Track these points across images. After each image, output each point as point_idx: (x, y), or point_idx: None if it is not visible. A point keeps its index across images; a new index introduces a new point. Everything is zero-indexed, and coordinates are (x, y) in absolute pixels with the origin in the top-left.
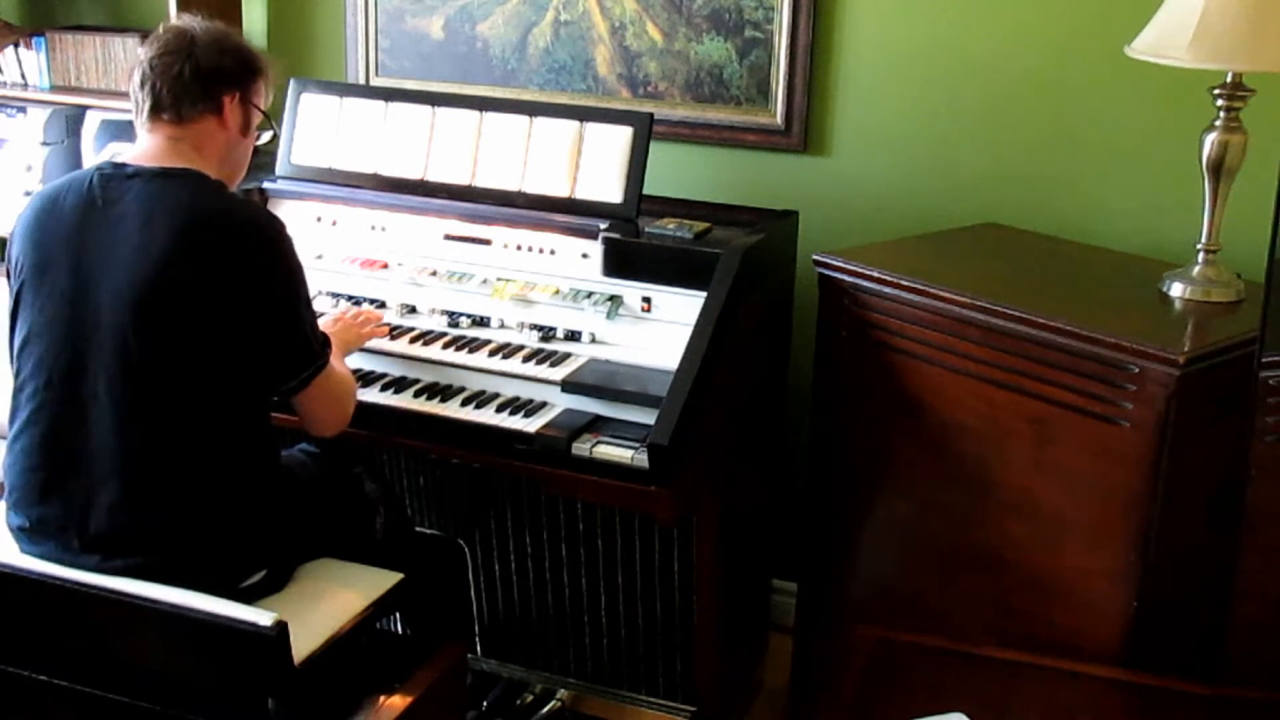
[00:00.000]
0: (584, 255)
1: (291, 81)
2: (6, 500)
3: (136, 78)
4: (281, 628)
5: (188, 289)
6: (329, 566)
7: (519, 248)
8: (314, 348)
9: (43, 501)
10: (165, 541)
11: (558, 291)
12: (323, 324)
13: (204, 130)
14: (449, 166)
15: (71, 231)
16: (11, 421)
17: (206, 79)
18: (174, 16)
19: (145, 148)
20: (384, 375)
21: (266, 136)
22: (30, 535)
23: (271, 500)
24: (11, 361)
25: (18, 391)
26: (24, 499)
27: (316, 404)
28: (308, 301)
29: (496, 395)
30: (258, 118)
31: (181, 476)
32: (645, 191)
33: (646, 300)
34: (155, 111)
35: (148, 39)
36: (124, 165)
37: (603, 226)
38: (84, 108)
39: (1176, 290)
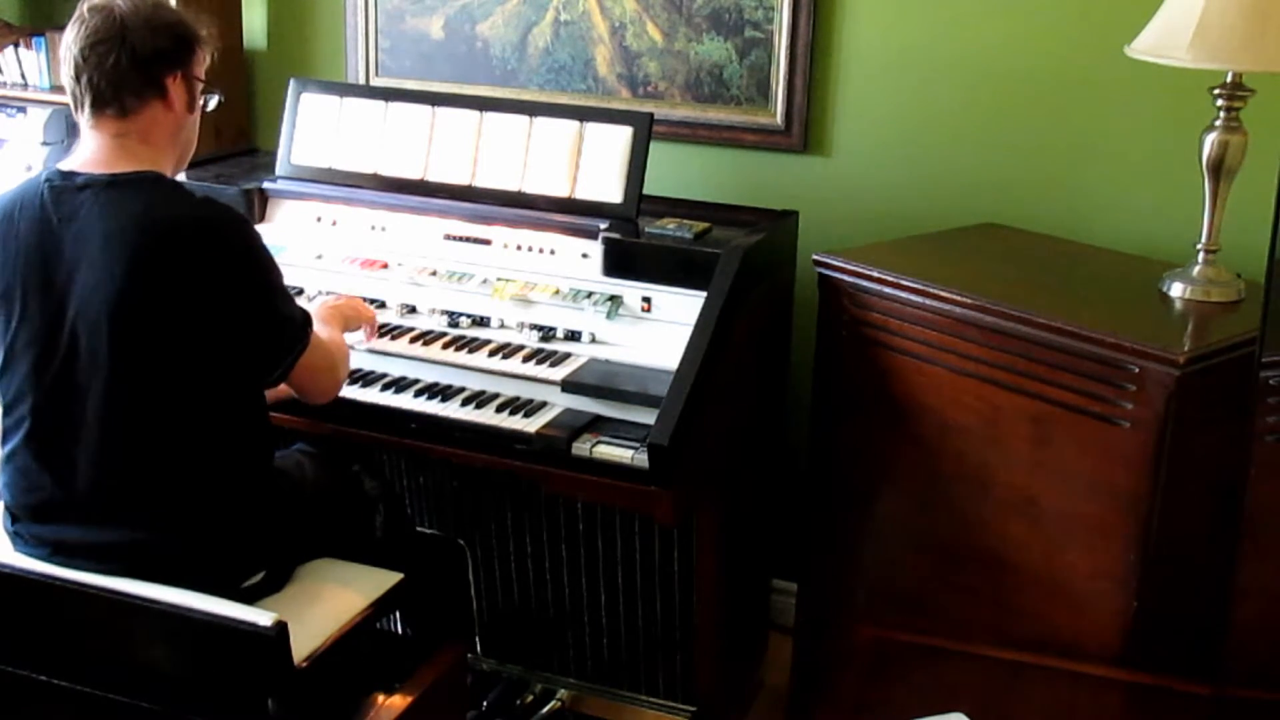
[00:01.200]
0: (584, 255)
1: (291, 81)
2: (5, 514)
3: (69, 69)
4: (281, 628)
5: (158, 304)
6: (329, 566)
7: (519, 248)
8: (293, 331)
9: (42, 520)
10: (165, 548)
11: (558, 291)
12: (325, 301)
13: (150, 118)
14: (449, 166)
15: (32, 253)
16: (4, 442)
17: (146, 65)
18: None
19: (92, 150)
20: (384, 375)
21: (213, 103)
22: (30, 543)
23: (269, 502)
24: None
25: (6, 413)
26: (23, 517)
27: (304, 379)
28: (281, 288)
29: (496, 395)
30: (200, 88)
31: (178, 486)
32: (645, 191)
33: (646, 300)
34: (98, 107)
35: (71, 22)
36: (73, 175)
37: (603, 226)
38: None
39: (1176, 290)
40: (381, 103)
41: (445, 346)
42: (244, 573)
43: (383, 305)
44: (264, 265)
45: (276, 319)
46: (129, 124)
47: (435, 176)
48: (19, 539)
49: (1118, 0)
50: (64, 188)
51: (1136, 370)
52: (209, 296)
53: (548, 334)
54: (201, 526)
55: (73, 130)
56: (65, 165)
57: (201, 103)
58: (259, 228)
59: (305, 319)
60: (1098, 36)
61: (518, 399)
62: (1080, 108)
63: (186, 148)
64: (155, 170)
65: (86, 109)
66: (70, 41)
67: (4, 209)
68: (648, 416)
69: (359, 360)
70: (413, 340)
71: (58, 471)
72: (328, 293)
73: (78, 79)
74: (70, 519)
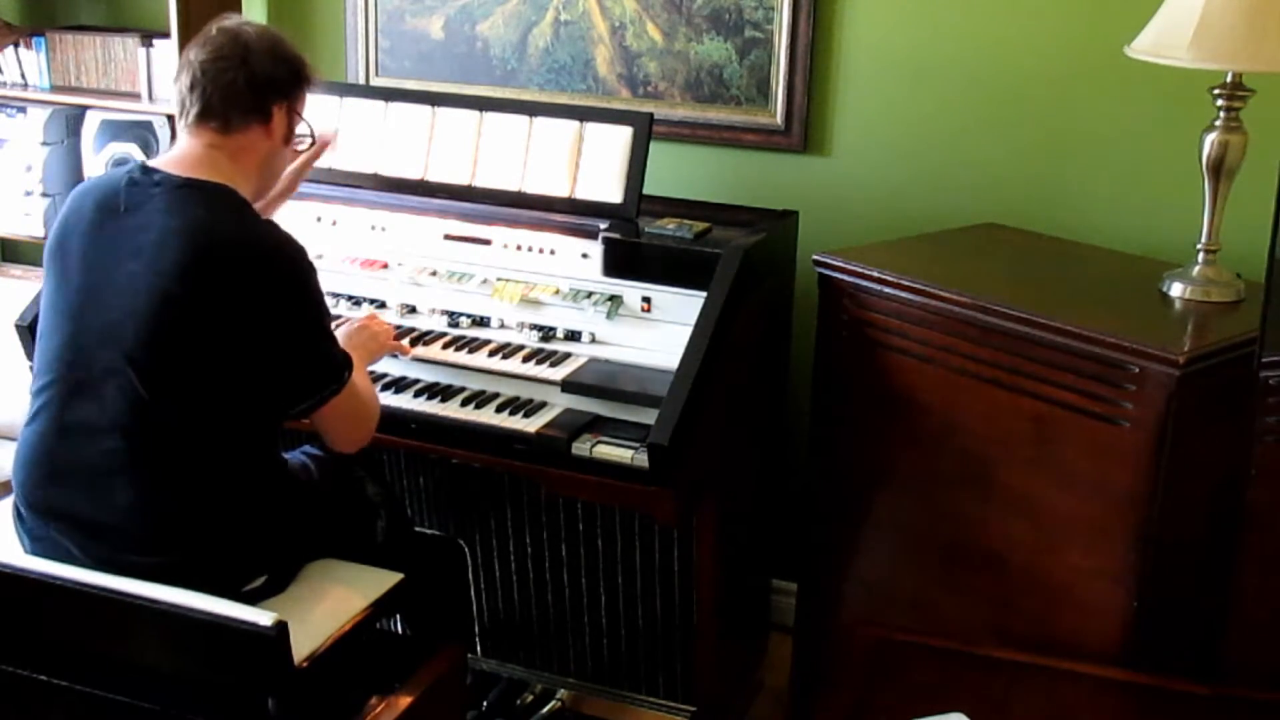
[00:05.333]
0: (584, 255)
1: None
2: (14, 496)
3: (185, 79)
4: (281, 628)
5: (198, 313)
6: (329, 567)
7: (519, 248)
8: (332, 370)
9: (46, 505)
10: (167, 548)
11: (558, 291)
12: (345, 330)
13: (248, 140)
14: (449, 166)
15: (88, 233)
16: (29, 410)
17: (260, 89)
18: (175, 16)
19: (181, 152)
20: (384, 375)
21: (306, 142)
22: (34, 536)
23: (275, 507)
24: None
25: (34, 381)
26: (29, 499)
27: (334, 421)
28: (327, 328)
29: (496, 395)
30: (300, 125)
31: (187, 487)
32: (645, 191)
33: (646, 300)
34: (203, 118)
35: (197, 38)
36: (153, 171)
37: (603, 226)
38: (84, 108)
39: (1176, 290)
40: (381, 103)
41: (445, 346)
42: (247, 576)
43: (383, 305)
44: (312, 300)
45: (314, 354)
46: (226, 140)
47: (435, 176)
48: (25, 533)
49: (1118, 0)
50: (141, 181)
51: (1136, 370)
52: (250, 318)
53: (548, 334)
54: (211, 529)
55: (73, 130)
56: (152, 162)
57: (295, 140)
58: None
59: (345, 362)
60: (1097, 36)
61: (518, 399)
62: (1080, 107)
63: (270, 179)
64: (230, 185)
65: (191, 116)
66: (193, 56)
67: (82, 190)
68: (648, 416)
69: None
70: (413, 340)
71: (66, 456)
72: (329, 293)
73: (192, 89)
74: (77, 511)
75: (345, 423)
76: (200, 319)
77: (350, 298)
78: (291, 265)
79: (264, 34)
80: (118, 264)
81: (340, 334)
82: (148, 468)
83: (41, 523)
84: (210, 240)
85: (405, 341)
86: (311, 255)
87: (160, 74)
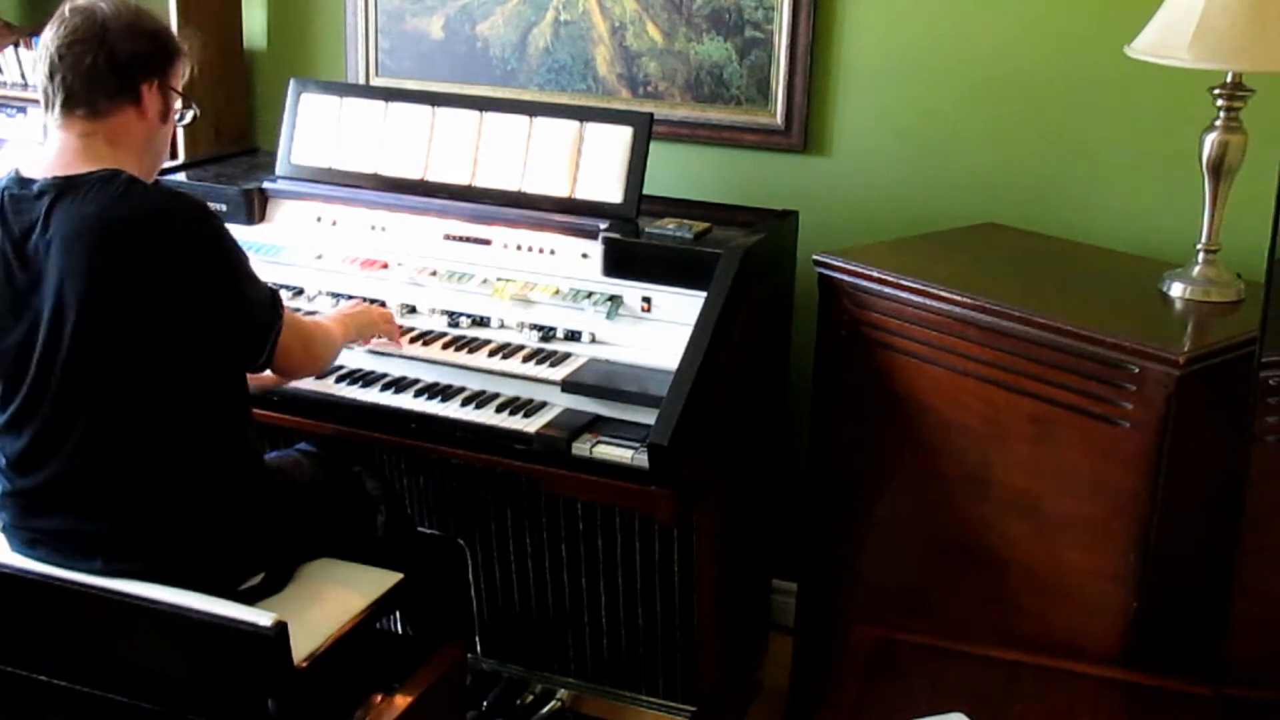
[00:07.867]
0: (584, 255)
1: (291, 81)
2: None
3: (44, 68)
4: (281, 628)
5: (125, 304)
6: (329, 566)
7: (519, 248)
8: (264, 314)
9: (29, 520)
10: (154, 549)
11: (558, 291)
12: (341, 307)
13: (121, 122)
14: (449, 166)
15: None
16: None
17: (122, 69)
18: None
19: (54, 150)
20: (384, 375)
21: (189, 117)
22: (23, 545)
23: (263, 503)
24: None
25: None
26: (12, 517)
27: (286, 361)
28: (247, 273)
29: (496, 395)
30: (177, 100)
31: (161, 488)
32: (645, 191)
33: (646, 300)
34: (69, 106)
35: (51, 22)
36: (29, 182)
37: (603, 226)
38: None
39: (1176, 290)
40: (381, 103)
41: (445, 346)
42: (242, 575)
43: (383, 305)
44: (225, 252)
45: (244, 304)
46: (98, 125)
47: (435, 176)
48: (15, 545)
49: (1118, 0)
50: (22, 196)
51: (1136, 370)
52: (173, 289)
53: (548, 334)
54: (193, 528)
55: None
56: (25, 169)
57: (177, 115)
58: (259, 228)
59: (274, 298)
60: (1098, 36)
61: (518, 399)
62: (1080, 107)
63: (156, 158)
64: (112, 168)
65: (57, 108)
66: (48, 40)
67: None
68: (648, 416)
69: (359, 360)
70: (413, 340)
71: (43, 475)
72: (329, 293)
73: (51, 77)
74: (61, 522)
75: (288, 354)
76: (131, 309)
77: (350, 298)
78: (195, 226)
79: (121, 9)
80: (36, 289)
81: (336, 311)
82: (118, 470)
83: (29, 548)
84: (111, 231)
85: (405, 340)
86: (311, 255)
87: None
